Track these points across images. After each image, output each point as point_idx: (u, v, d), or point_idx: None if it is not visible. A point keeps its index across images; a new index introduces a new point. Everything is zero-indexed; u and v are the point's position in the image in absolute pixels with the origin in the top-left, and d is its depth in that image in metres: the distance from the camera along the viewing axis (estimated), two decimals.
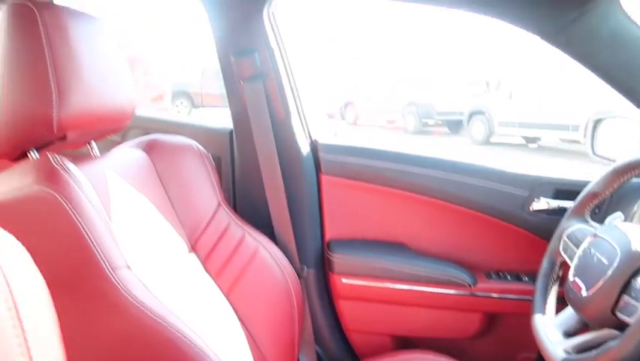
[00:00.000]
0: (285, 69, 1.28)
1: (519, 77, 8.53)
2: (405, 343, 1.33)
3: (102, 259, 0.75)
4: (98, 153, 1.01)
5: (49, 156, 0.78)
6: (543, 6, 0.94)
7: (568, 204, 1.19)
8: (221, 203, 1.18)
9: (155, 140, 1.12)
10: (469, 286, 1.24)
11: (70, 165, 0.78)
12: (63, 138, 0.84)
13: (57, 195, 0.72)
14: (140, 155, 1.06)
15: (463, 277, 1.24)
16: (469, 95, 9.74)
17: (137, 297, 0.75)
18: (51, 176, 0.73)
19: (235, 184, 1.37)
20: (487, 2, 0.98)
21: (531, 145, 8.83)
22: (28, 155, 0.84)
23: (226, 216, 1.17)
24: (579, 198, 0.98)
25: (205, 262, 1.10)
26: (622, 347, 0.69)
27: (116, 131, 0.99)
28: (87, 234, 0.73)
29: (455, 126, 10.33)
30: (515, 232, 1.26)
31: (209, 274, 1.09)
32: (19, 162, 0.81)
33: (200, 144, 1.20)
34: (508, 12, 0.98)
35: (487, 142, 9.06)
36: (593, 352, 0.74)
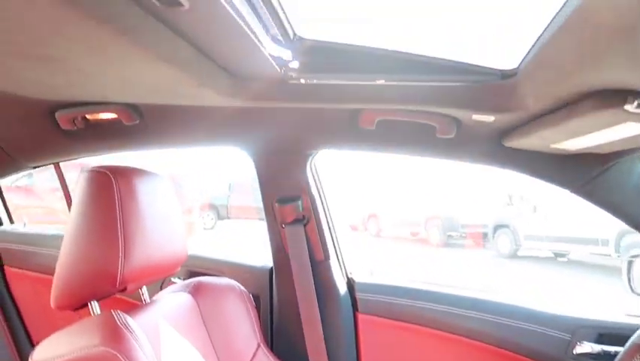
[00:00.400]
0: (325, 213, 1.35)
1: (541, 190, 8.59)
2: None
3: None
4: (148, 299, 1.06)
5: (113, 314, 0.83)
6: (568, 163, 1.02)
7: (612, 348, 1.15)
8: (261, 344, 1.19)
9: (200, 282, 1.17)
10: None
11: (130, 321, 0.83)
12: (123, 290, 0.89)
13: (120, 356, 0.75)
14: (186, 298, 1.10)
15: None
16: (492, 208, 9.77)
17: None
18: (115, 336, 0.77)
19: (273, 322, 1.38)
20: (518, 163, 1.06)
21: (560, 259, 8.60)
22: (89, 306, 0.90)
23: (265, 359, 1.17)
24: (625, 350, 0.96)
25: None
26: None
27: (168, 276, 1.05)
28: None
29: (480, 238, 10.21)
30: None
31: None
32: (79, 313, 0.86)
33: (240, 281, 1.24)
34: (538, 169, 1.06)
35: (514, 256, 8.86)
36: None
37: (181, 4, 0.66)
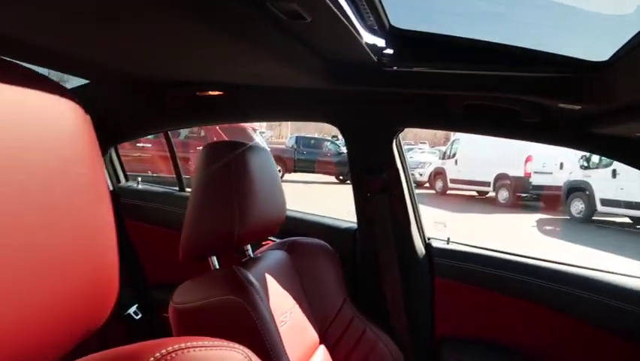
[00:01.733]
0: (407, 184, 1.46)
1: None
2: None
3: (271, 352, 0.94)
4: (252, 255, 1.23)
5: (235, 269, 1.00)
6: None
7: None
8: (347, 298, 1.35)
9: (295, 241, 1.33)
10: None
11: (249, 276, 1.00)
12: (237, 247, 1.07)
13: (245, 304, 0.93)
14: (283, 255, 1.27)
15: None
16: (567, 170, 9.37)
17: None
18: (240, 288, 0.95)
19: (356, 279, 1.54)
20: (603, 147, 1.11)
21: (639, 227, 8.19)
22: (210, 260, 1.09)
23: (350, 311, 1.34)
24: None
25: (332, 351, 1.26)
26: None
27: (270, 235, 1.22)
28: (262, 333, 0.93)
29: (552, 201, 9.88)
30: (630, 348, 1.26)
31: (333, 358, 1.24)
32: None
33: (326, 240, 1.40)
34: (623, 154, 1.10)
35: (587, 220, 8.55)
36: None
37: (304, 18, 0.77)
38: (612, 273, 1.32)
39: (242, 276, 0.99)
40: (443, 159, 12.01)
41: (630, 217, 8.21)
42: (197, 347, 0.49)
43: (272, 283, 1.14)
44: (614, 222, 8.44)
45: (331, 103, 1.41)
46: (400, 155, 1.45)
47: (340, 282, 1.37)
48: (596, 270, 1.34)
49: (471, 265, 1.44)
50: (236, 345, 0.52)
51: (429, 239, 1.54)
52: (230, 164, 1.03)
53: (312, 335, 1.21)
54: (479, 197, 11.36)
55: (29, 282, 0.32)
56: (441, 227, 1.59)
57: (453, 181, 11.45)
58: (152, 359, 0.45)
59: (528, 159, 9.85)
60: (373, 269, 1.49)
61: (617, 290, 1.27)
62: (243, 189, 1.04)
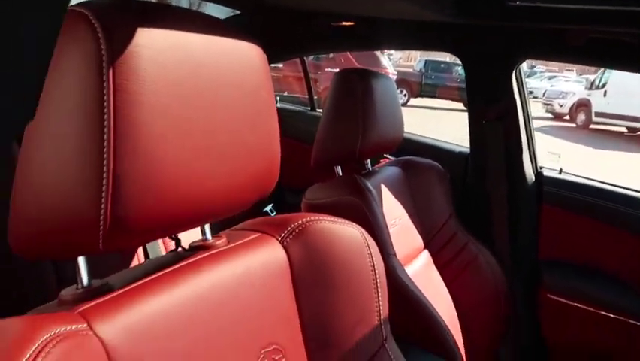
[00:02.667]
0: (524, 114, 1.51)
1: None
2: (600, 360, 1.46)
3: (383, 248, 1.14)
4: (370, 168, 1.42)
5: (356, 177, 1.21)
6: None
7: None
8: (453, 214, 1.50)
9: (409, 160, 1.50)
10: None
11: (367, 183, 1.20)
12: (358, 160, 1.27)
13: (362, 204, 1.14)
14: (398, 171, 1.45)
15: None
16: None
17: (401, 278, 1.12)
18: (359, 191, 1.16)
19: (464, 199, 1.67)
20: None
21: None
22: (335, 169, 1.30)
23: (455, 225, 1.49)
24: None
25: (435, 257, 1.44)
26: None
27: (389, 152, 1.40)
28: (375, 229, 1.13)
29: None
30: None
31: (437, 267, 1.43)
32: (327, 175, 1.27)
33: (440, 162, 1.54)
34: None
35: None
36: None
37: None
38: None
39: (361, 182, 1.19)
40: (590, 89, 10.81)
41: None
42: (327, 220, 0.70)
43: (386, 193, 1.33)
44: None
45: (454, 34, 1.49)
46: (519, 86, 1.49)
47: (448, 199, 1.52)
48: None
49: (580, 196, 1.48)
50: (357, 225, 0.72)
51: (541, 168, 1.59)
52: (356, 90, 1.21)
53: (418, 240, 1.40)
54: (629, 134, 10.16)
55: (234, 161, 0.54)
56: (555, 158, 1.62)
57: (599, 115, 10.33)
58: (296, 223, 0.67)
59: None
60: (481, 192, 1.60)
61: None
62: (367, 112, 1.21)
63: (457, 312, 1.39)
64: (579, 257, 1.51)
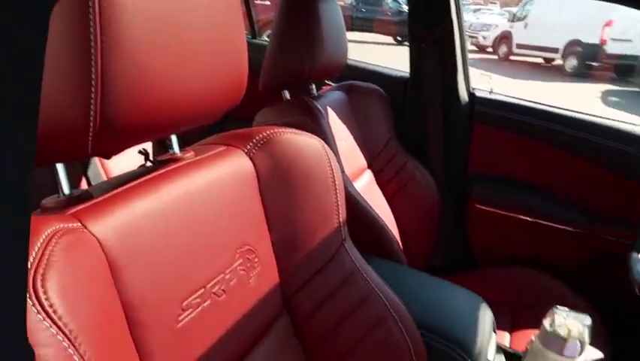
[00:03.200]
0: (460, 39, 1.58)
1: None
2: (520, 263, 1.66)
3: None
4: (316, 92, 1.45)
5: (305, 99, 1.23)
6: None
7: None
8: (393, 137, 1.58)
9: (353, 85, 1.54)
10: (584, 225, 1.51)
11: (315, 104, 1.23)
12: (305, 83, 1.29)
13: (313, 124, 1.17)
14: (343, 95, 1.49)
15: (580, 217, 1.52)
16: None
17: (350, 192, 1.19)
18: (309, 112, 1.19)
19: (404, 122, 1.75)
20: None
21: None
22: (282, 94, 1.32)
23: (395, 146, 1.58)
24: None
25: (377, 176, 1.52)
26: None
27: (334, 76, 1.42)
28: (326, 146, 1.18)
29: (625, 71, 9.26)
30: (630, 185, 1.46)
31: (378, 185, 1.52)
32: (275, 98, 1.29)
33: (381, 86, 1.59)
34: None
35: None
36: None
37: None
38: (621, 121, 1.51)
39: (310, 103, 1.22)
40: (512, 21, 11.21)
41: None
42: (290, 132, 0.73)
43: (332, 115, 1.37)
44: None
45: None
46: (457, 12, 1.55)
47: (389, 122, 1.60)
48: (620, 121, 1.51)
49: (508, 114, 1.61)
50: (316, 137, 0.76)
51: (473, 89, 1.70)
52: (304, 12, 1.21)
53: (362, 160, 1.48)
54: (545, 65, 10.78)
55: (211, 67, 0.55)
56: (486, 79, 1.72)
57: (519, 46, 10.80)
58: (260, 135, 0.70)
59: (607, 24, 9.04)
60: (419, 113, 1.69)
61: (629, 137, 1.46)
62: (315, 33, 1.22)
63: (397, 224, 1.51)
64: (505, 170, 1.67)
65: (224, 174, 0.63)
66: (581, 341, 0.77)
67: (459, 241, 1.75)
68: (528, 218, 1.60)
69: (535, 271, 1.55)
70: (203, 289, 0.56)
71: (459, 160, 1.71)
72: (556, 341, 0.77)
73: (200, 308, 0.55)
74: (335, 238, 0.76)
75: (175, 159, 0.63)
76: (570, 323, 0.78)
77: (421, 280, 1.07)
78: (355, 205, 1.19)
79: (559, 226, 1.57)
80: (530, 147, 1.60)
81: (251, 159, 0.68)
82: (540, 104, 1.61)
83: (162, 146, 0.64)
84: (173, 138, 0.64)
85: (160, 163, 0.63)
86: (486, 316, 0.95)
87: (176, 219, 0.55)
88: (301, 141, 0.72)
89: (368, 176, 1.49)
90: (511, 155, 1.65)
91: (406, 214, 1.54)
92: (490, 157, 1.68)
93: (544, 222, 1.58)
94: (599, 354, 1.19)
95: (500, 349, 1.03)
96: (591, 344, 0.94)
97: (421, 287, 1.01)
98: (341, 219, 0.77)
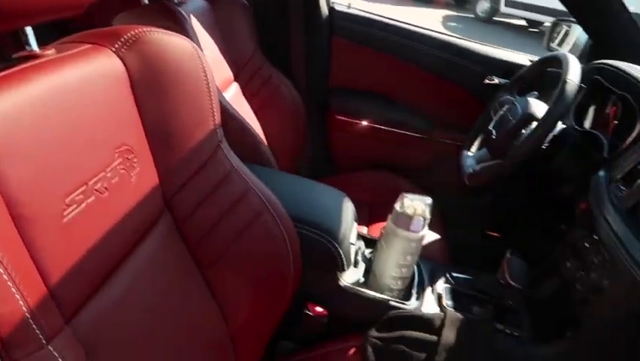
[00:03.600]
0: None
1: None
2: (375, 167, 1.85)
3: None
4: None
5: (167, 3, 1.16)
6: None
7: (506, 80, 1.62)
8: (257, 48, 1.58)
9: None
10: (428, 131, 1.73)
11: (178, 9, 1.17)
12: None
13: (180, 31, 1.12)
14: (205, 4, 1.43)
15: (425, 125, 1.73)
16: None
17: (222, 102, 1.19)
18: (174, 17, 1.13)
19: (268, 35, 1.74)
20: None
21: (532, 29, 8.88)
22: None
23: (260, 59, 1.60)
24: (512, 79, 1.41)
25: (243, 88, 1.53)
26: (496, 164, 1.19)
27: None
28: (197, 48, 1.14)
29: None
30: (469, 97, 1.70)
31: (245, 98, 1.54)
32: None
33: None
34: None
35: (490, 20, 9.06)
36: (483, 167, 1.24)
37: None
38: (463, 39, 1.71)
39: (174, 8, 1.16)
40: None
41: (527, 20, 8.80)
42: (159, 31, 0.71)
43: (196, 23, 1.32)
44: (512, 24, 9.05)
45: None
46: None
47: (253, 34, 1.59)
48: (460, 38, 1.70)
49: (365, 28, 1.71)
50: (186, 37, 0.75)
51: (332, 3, 1.75)
52: None
53: (228, 72, 1.46)
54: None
55: None
56: None
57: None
58: (128, 34, 0.67)
59: None
60: (282, 25, 1.70)
61: (466, 52, 1.66)
62: None
63: (265, 135, 1.56)
64: (362, 83, 1.80)
65: (94, 72, 0.60)
66: (424, 218, 0.93)
67: (323, 149, 1.88)
68: (382, 127, 1.77)
69: (389, 174, 1.75)
70: (85, 186, 0.55)
71: (320, 72, 1.79)
72: (405, 219, 0.92)
73: (84, 205, 0.55)
74: (212, 140, 0.78)
75: (35, 56, 0.58)
76: (415, 204, 0.93)
77: (291, 181, 1.15)
78: (226, 114, 1.20)
79: (407, 133, 1.77)
80: (384, 60, 1.74)
81: (120, 58, 0.65)
82: (394, 20, 1.74)
83: (18, 43, 0.58)
84: (29, 32, 0.58)
85: (17, 61, 0.57)
86: (348, 208, 1.07)
87: (52, 112, 0.52)
88: (172, 42, 0.71)
89: (235, 88, 1.49)
90: (367, 68, 1.77)
91: (273, 125, 1.59)
92: (348, 70, 1.79)
93: (395, 130, 1.77)
94: (437, 235, 1.44)
95: (360, 236, 1.19)
96: (431, 229, 1.14)
97: (292, 186, 1.09)
98: (216, 121, 0.79)
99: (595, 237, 0.95)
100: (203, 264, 0.78)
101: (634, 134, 1.04)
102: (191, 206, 0.76)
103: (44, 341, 0.47)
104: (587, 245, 0.98)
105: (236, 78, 1.52)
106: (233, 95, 1.46)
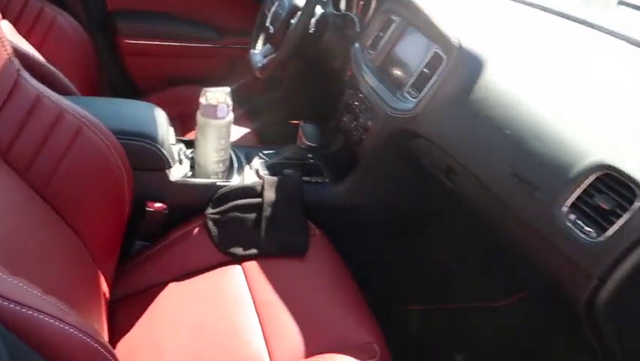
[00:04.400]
0: None
1: None
2: (175, 82, 1.92)
3: None
4: None
5: None
6: None
7: None
8: None
9: None
10: (217, 41, 1.87)
11: None
12: None
13: None
14: None
15: (214, 34, 1.86)
16: None
17: None
18: None
19: None
20: None
21: None
22: None
23: None
24: None
25: (16, 26, 1.44)
26: (277, 54, 1.41)
27: None
28: None
29: None
30: (250, 1, 1.84)
31: (19, 32, 1.45)
32: None
33: None
34: None
35: None
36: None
37: None
38: None
39: None
40: None
41: None
42: None
43: None
44: None
45: None
46: None
47: None
48: None
49: None
50: None
51: None
52: None
53: None
54: None
55: None
56: None
57: None
58: None
59: None
60: None
61: None
62: None
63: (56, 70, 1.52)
64: (141, 3, 1.81)
65: None
66: (227, 105, 1.10)
67: (121, 75, 1.88)
68: (172, 43, 1.84)
69: (191, 87, 1.86)
70: None
71: None
72: (211, 109, 1.09)
73: None
74: (8, 70, 0.82)
75: None
76: (217, 95, 1.09)
77: (104, 102, 1.21)
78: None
79: (199, 45, 1.88)
80: None
81: None
82: None
83: None
84: None
85: None
86: (161, 115, 1.18)
87: None
88: None
89: (7, 26, 1.40)
90: None
91: (62, 58, 1.50)
92: None
93: (186, 44, 1.86)
94: (248, 129, 1.64)
95: (179, 140, 1.32)
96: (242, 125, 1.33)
97: (107, 107, 1.14)
98: (9, 51, 0.82)
99: (360, 94, 1.26)
100: (38, 185, 0.83)
101: (371, 11, 1.36)
102: (8, 138, 0.80)
103: None
104: (356, 102, 1.28)
105: (4, 15, 1.41)
106: (8, 35, 1.37)
